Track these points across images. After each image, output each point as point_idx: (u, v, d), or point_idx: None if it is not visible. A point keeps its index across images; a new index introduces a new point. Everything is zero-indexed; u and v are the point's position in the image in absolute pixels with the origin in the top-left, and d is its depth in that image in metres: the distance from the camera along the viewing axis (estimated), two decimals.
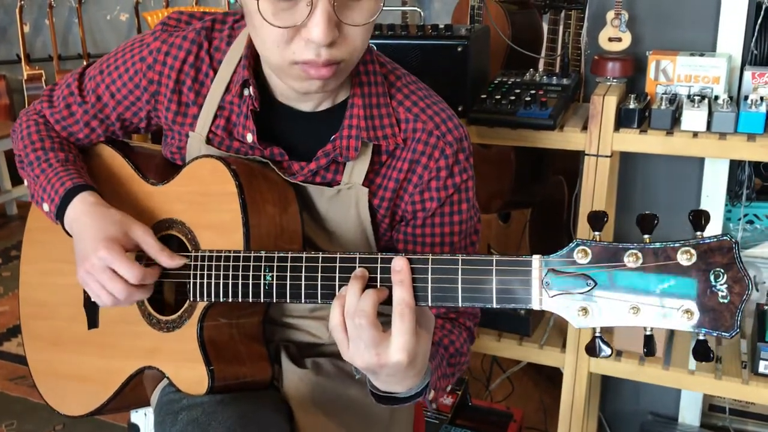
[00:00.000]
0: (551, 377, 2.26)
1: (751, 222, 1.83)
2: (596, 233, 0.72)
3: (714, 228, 1.69)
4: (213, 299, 1.02)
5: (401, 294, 0.83)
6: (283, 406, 1.11)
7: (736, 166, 1.71)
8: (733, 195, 1.76)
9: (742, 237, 1.81)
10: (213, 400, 1.04)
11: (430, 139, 1.06)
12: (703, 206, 1.69)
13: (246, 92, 1.07)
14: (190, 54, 1.10)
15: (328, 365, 1.17)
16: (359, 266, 0.87)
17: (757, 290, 1.78)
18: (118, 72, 1.15)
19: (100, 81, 1.17)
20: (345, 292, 0.86)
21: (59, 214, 1.10)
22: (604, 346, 0.73)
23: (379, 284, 0.86)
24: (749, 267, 1.80)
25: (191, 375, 1.06)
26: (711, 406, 1.94)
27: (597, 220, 0.72)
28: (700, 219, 0.68)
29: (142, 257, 1.08)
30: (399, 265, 0.83)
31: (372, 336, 0.83)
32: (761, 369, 1.51)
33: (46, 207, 1.13)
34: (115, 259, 1.00)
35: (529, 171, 2.05)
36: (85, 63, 4.76)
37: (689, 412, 1.85)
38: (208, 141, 1.12)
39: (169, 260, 1.03)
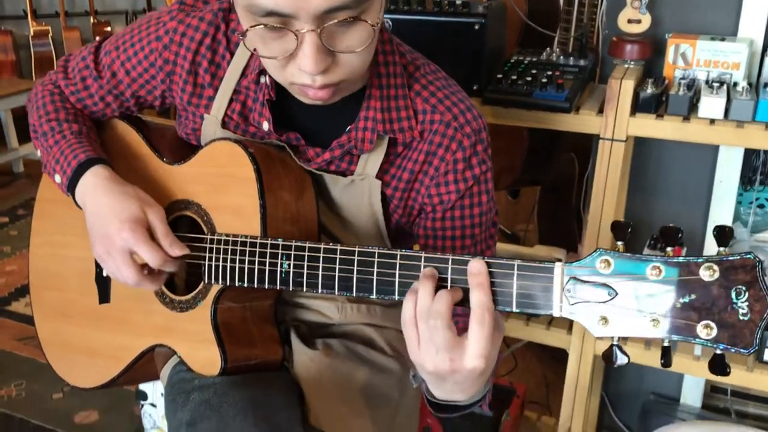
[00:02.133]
0: (554, 353, 2.28)
1: (762, 206, 1.82)
2: (619, 243, 0.72)
3: (726, 214, 1.69)
4: (228, 283, 1.02)
5: (482, 297, 0.79)
6: (294, 387, 1.12)
7: (750, 152, 1.70)
8: (746, 180, 1.75)
9: (754, 221, 1.81)
10: (224, 381, 1.05)
11: (448, 131, 1.05)
12: (715, 192, 1.68)
13: (262, 80, 1.06)
14: (206, 36, 1.09)
15: (339, 346, 1.18)
16: (378, 261, 0.87)
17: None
18: (134, 49, 1.14)
19: (116, 57, 1.16)
20: (417, 287, 0.82)
21: (71, 187, 1.10)
22: (621, 355, 0.73)
23: (398, 279, 0.86)
24: (759, 252, 1.80)
25: (204, 356, 1.07)
26: (713, 388, 1.96)
27: (620, 229, 0.72)
28: (723, 234, 0.68)
29: None
30: (477, 267, 0.80)
31: (447, 339, 0.80)
32: (766, 357, 1.52)
33: (57, 178, 1.13)
34: (138, 243, 1.01)
35: (542, 148, 2.04)
36: (92, 21, 4.71)
37: (691, 393, 1.88)
38: (224, 125, 1.11)
39: (168, 248, 1.03)
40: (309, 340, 1.18)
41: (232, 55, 1.09)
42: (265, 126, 1.07)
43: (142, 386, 1.82)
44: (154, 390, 1.81)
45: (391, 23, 1.57)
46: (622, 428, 1.99)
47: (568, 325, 1.68)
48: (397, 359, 1.21)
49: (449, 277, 0.82)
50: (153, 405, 1.84)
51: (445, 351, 0.80)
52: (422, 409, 1.33)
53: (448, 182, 1.06)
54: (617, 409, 1.98)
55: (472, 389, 0.87)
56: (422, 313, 0.81)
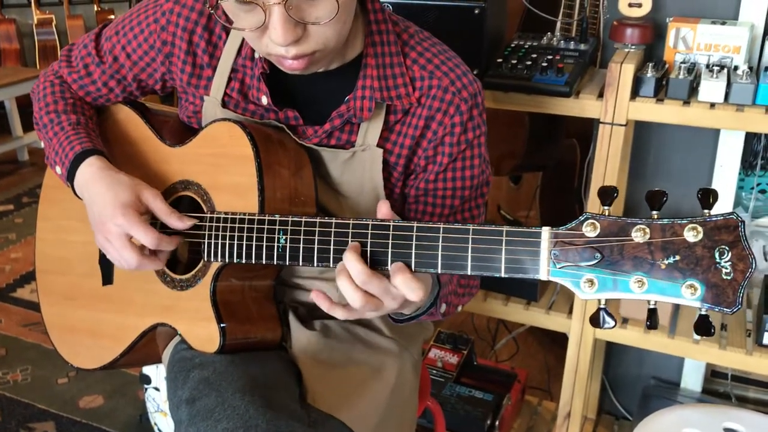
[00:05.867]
0: (555, 338, 2.29)
1: (763, 191, 1.82)
2: (606, 207, 0.73)
3: (727, 198, 1.69)
4: (227, 260, 1.03)
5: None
6: (293, 367, 1.13)
7: (751, 136, 1.70)
8: (747, 165, 1.75)
9: (755, 206, 1.81)
10: (224, 360, 1.06)
11: (446, 96, 1.07)
12: (716, 176, 1.68)
13: (257, 54, 1.07)
14: (202, 15, 1.10)
15: (337, 328, 1.19)
16: (371, 232, 0.89)
17: (766, 260, 1.78)
18: (134, 33, 1.15)
19: (116, 42, 1.17)
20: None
21: (70, 178, 1.12)
22: (608, 318, 0.75)
23: (391, 249, 0.88)
24: (759, 236, 1.80)
25: (203, 333, 1.08)
26: (713, 372, 1.96)
27: (607, 195, 0.73)
28: (708, 197, 0.69)
29: (157, 222, 1.09)
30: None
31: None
32: (765, 341, 1.52)
33: (58, 170, 1.15)
34: (132, 226, 1.02)
35: (543, 133, 2.04)
36: (96, 9, 4.73)
37: (692, 378, 1.88)
38: (224, 104, 1.12)
39: (178, 222, 1.05)
40: (307, 322, 1.19)
41: (227, 34, 1.11)
42: (264, 100, 1.09)
43: (146, 370, 1.84)
44: (158, 374, 1.83)
45: (390, 6, 1.58)
46: (623, 412, 1.99)
47: (568, 308, 1.68)
48: (394, 341, 1.22)
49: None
50: (156, 389, 1.86)
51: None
52: (422, 391, 1.34)
53: (444, 144, 1.09)
54: (617, 393, 1.98)
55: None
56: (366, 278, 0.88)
